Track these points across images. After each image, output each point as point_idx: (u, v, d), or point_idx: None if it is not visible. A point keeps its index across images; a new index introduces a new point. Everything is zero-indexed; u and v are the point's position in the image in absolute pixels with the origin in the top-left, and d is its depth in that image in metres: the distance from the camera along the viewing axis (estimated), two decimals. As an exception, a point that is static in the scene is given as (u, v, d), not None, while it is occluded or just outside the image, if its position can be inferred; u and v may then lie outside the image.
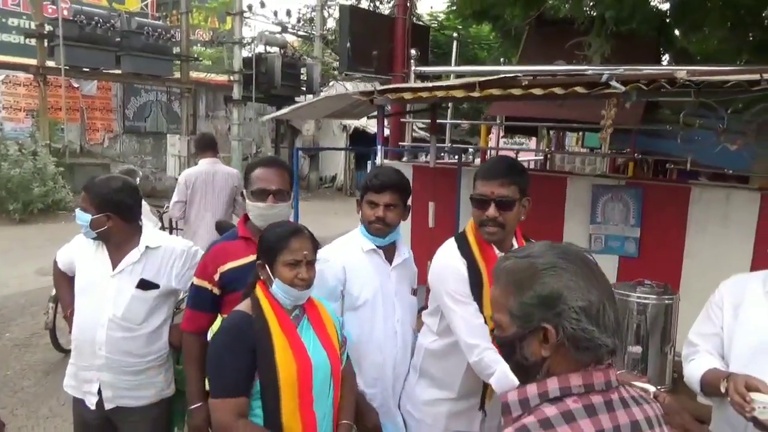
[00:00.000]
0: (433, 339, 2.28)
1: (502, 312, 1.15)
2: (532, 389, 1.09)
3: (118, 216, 2.35)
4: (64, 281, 2.63)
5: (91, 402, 2.39)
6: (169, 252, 2.46)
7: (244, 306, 1.94)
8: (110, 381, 2.36)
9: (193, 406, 2.26)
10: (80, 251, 2.49)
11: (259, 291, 1.94)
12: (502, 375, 1.96)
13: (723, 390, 1.69)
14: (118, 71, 13.80)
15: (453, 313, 2.09)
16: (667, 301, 2.57)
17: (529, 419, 1.05)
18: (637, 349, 2.53)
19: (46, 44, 12.70)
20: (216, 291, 2.26)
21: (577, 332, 1.06)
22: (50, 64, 12.77)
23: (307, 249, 1.92)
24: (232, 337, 1.86)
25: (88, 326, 2.36)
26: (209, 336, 2.36)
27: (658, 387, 1.73)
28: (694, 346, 1.99)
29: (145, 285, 2.38)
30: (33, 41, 13.10)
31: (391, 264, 2.37)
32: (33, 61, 12.94)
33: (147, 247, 2.41)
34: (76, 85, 14.78)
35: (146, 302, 2.38)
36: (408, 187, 2.36)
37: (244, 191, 2.33)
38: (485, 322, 2.06)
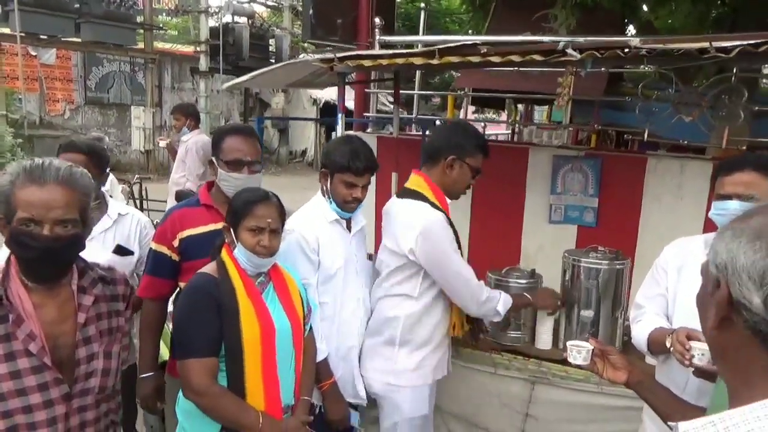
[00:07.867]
0: (411, 304, 2.33)
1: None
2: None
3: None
4: None
5: None
6: (137, 220, 2.49)
7: (209, 269, 1.92)
8: None
9: (144, 375, 2.24)
10: None
11: (224, 254, 1.93)
12: (506, 298, 2.36)
13: (668, 345, 1.74)
14: (78, 39, 13.31)
15: (455, 263, 2.27)
16: (618, 267, 2.63)
17: None
18: (589, 313, 2.60)
19: (0, 9, 12.16)
20: (175, 257, 2.22)
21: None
22: (5, 30, 12.22)
23: (272, 217, 1.90)
24: (199, 297, 1.85)
25: None
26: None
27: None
28: (640, 308, 2.05)
29: (121, 251, 2.40)
30: (-14, 6, 12.52)
31: (350, 232, 2.39)
32: (-14, 27, 12.41)
33: (119, 214, 2.44)
34: (33, 54, 14.19)
35: (125, 268, 2.32)
36: None
37: (214, 159, 2.25)
38: None
